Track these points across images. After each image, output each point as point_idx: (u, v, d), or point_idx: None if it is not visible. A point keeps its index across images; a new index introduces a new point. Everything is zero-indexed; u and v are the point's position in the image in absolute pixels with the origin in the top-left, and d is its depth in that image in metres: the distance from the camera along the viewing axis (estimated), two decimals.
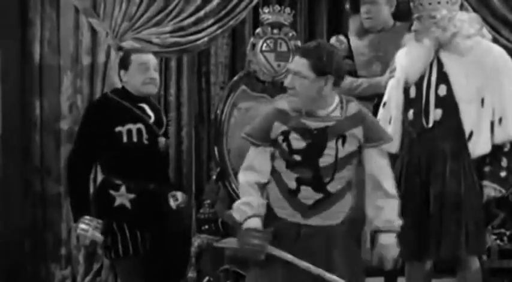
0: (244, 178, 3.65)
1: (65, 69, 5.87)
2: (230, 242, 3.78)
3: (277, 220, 3.63)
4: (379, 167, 3.62)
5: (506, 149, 4.08)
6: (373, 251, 3.67)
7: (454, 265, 4.20)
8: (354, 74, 5.02)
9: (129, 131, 4.24)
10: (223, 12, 5.55)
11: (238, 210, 3.61)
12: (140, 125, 4.26)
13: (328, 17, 6.28)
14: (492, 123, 4.07)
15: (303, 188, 3.57)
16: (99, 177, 4.47)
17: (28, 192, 5.93)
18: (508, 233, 5.55)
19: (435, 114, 4.09)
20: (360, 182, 3.70)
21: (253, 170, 3.65)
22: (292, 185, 3.59)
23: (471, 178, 4.05)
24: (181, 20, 5.59)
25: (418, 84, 4.15)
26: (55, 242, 5.91)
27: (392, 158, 3.97)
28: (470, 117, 4.05)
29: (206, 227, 5.12)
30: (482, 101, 4.07)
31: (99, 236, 4.17)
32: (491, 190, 4.07)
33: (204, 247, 5.05)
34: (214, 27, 5.57)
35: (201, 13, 5.56)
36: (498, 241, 5.50)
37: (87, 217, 4.15)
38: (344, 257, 3.58)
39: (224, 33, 5.77)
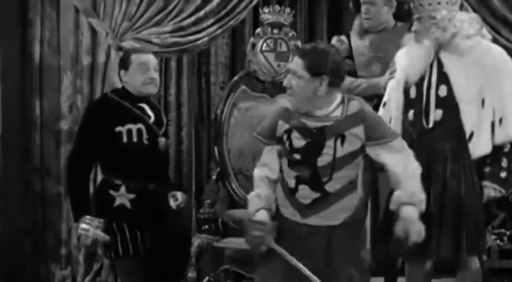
0: (257, 173, 3.76)
1: (65, 69, 5.87)
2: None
3: (283, 219, 3.66)
4: (390, 163, 3.63)
5: (506, 150, 4.08)
6: (397, 225, 3.64)
7: (454, 265, 4.20)
8: (353, 74, 5.02)
9: (129, 131, 4.24)
10: (223, 12, 5.55)
11: (250, 202, 3.73)
12: (140, 125, 4.26)
13: (328, 17, 6.28)
14: (492, 124, 4.07)
15: (301, 187, 3.60)
16: (99, 177, 4.47)
17: (28, 192, 5.93)
18: (508, 233, 5.55)
19: (435, 114, 4.09)
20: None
21: (265, 165, 3.75)
22: (292, 183, 3.62)
23: (471, 179, 4.05)
24: (181, 20, 5.59)
25: (418, 84, 4.15)
26: (55, 242, 5.91)
27: None
28: (470, 117, 4.05)
29: (206, 227, 5.12)
30: (483, 101, 4.07)
31: (101, 235, 4.17)
32: (491, 190, 4.07)
33: (204, 247, 5.05)
34: (214, 27, 5.57)
35: (201, 13, 5.56)
36: (498, 241, 5.50)
37: (88, 217, 4.15)
38: (345, 258, 3.58)
39: (224, 33, 5.77)
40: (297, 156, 3.60)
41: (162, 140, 4.33)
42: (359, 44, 5.13)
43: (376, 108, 4.39)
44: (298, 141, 3.59)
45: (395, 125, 4.19)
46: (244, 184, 5.32)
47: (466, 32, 4.09)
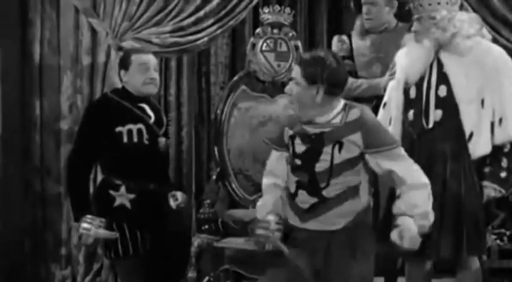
0: (264, 181, 3.81)
1: (65, 69, 5.87)
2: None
3: (289, 224, 3.68)
4: (393, 169, 3.60)
5: (506, 150, 4.08)
6: (392, 231, 3.62)
7: (454, 265, 4.20)
8: (354, 74, 5.02)
9: (130, 131, 4.24)
10: (223, 12, 5.55)
11: (258, 209, 3.76)
12: (141, 125, 4.26)
13: (328, 17, 6.28)
14: (492, 124, 4.07)
15: (300, 191, 3.62)
16: (99, 177, 4.47)
17: (28, 192, 5.93)
18: (508, 233, 5.55)
19: (435, 115, 4.09)
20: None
21: (272, 173, 3.78)
22: (292, 188, 3.65)
23: (471, 179, 4.05)
24: (181, 20, 5.58)
25: (418, 85, 4.14)
26: (55, 242, 5.91)
27: None
28: (470, 118, 4.05)
29: (206, 227, 5.12)
30: (483, 101, 4.07)
31: (104, 233, 4.15)
32: (491, 190, 4.07)
33: (204, 247, 5.05)
34: (214, 27, 5.57)
35: (201, 13, 5.56)
36: (498, 241, 5.50)
37: (89, 216, 4.15)
38: (345, 262, 3.57)
39: (224, 33, 5.77)
40: (298, 162, 3.62)
41: (162, 140, 4.34)
42: (360, 44, 5.13)
43: (375, 109, 4.40)
44: (299, 147, 3.62)
45: (395, 125, 4.19)
46: (244, 184, 5.32)
47: (466, 32, 4.09)
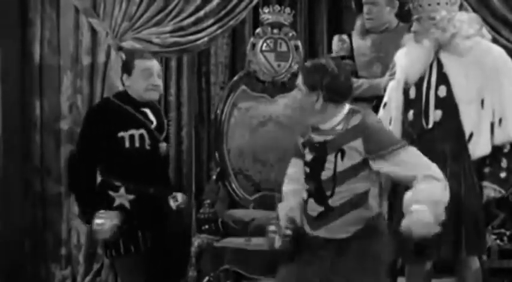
0: (284, 189, 3.82)
1: (65, 69, 5.86)
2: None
3: (302, 230, 3.68)
4: (398, 175, 3.55)
5: (506, 150, 4.08)
6: (403, 220, 3.51)
7: (454, 265, 4.20)
8: (354, 74, 5.02)
9: (132, 137, 4.23)
10: (223, 12, 5.55)
11: (280, 212, 3.75)
12: (142, 131, 4.26)
13: (328, 17, 6.28)
14: (492, 124, 4.07)
15: (309, 200, 3.62)
16: (98, 179, 4.45)
17: (28, 192, 5.93)
18: (508, 233, 5.56)
19: (435, 115, 4.09)
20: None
21: (291, 179, 3.79)
22: (305, 196, 3.66)
23: (471, 179, 4.05)
24: (181, 20, 5.58)
25: (418, 85, 4.14)
26: (55, 242, 5.90)
27: None
28: (470, 118, 4.05)
29: (206, 227, 5.11)
30: (482, 101, 4.07)
31: (118, 220, 4.14)
32: (491, 191, 4.07)
33: (204, 247, 5.04)
34: (214, 27, 5.57)
35: (201, 13, 5.55)
36: (498, 241, 5.50)
37: (101, 211, 4.14)
38: (353, 269, 3.54)
39: (224, 33, 5.77)
40: (307, 170, 3.64)
41: (163, 146, 4.33)
42: (360, 44, 5.13)
43: (375, 109, 4.40)
44: (308, 156, 3.64)
45: (395, 126, 4.19)
46: (244, 184, 5.32)
47: (465, 32, 4.09)
